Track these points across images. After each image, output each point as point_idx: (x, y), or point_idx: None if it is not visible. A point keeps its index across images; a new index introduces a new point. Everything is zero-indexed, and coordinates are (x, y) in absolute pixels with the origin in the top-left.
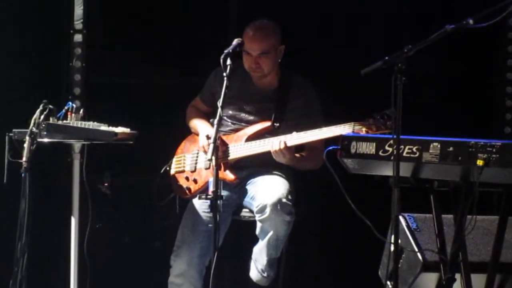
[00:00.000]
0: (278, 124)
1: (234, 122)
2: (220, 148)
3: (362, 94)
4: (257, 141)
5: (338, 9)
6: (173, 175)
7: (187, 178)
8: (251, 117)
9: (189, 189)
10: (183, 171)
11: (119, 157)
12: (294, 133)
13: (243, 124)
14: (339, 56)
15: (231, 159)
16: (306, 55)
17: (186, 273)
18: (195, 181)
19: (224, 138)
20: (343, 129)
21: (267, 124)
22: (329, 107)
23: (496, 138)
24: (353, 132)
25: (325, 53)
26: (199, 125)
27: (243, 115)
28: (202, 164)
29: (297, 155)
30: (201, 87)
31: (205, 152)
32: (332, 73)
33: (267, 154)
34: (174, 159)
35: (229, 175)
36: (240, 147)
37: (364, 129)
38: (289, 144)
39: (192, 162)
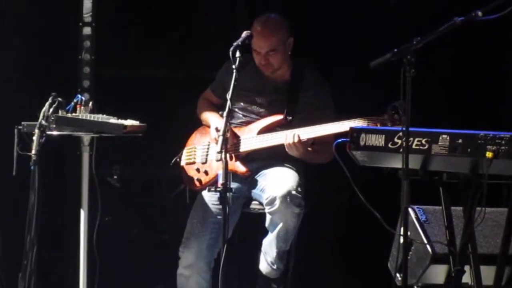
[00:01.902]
0: (290, 117)
1: (245, 114)
2: (231, 141)
3: (373, 87)
4: (270, 134)
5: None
6: (183, 167)
7: (197, 170)
8: (263, 110)
9: (199, 180)
10: (193, 163)
11: (128, 150)
12: (308, 127)
13: (253, 116)
14: (349, 49)
15: (243, 151)
16: (316, 47)
17: (194, 264)
18: (206, 172)
19: (235, 130)
20: (356, 123)
21: (280, 117)
22: (340, 100)
23: (505, 131)
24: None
25: (335, 46)
26: (210, 117)
27: (254, 107)
28: (213, 156)
29: (309, 148)
30: (211, 80)
31: (217, 143)
32: (342, 66)
33: (278, 146)
34: (185, 151)
35: (240, 168)
36: (252, 139)
37: (379, 124)
38: (302, 138)
39: (203, 153)
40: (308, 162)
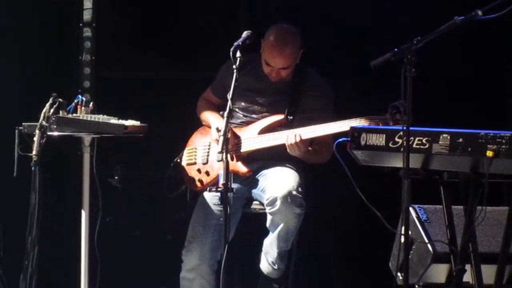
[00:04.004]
0: (291, 117)
1: (246, 114)
2: (232, 141)
3: (373, 87)
4: (271, 134)
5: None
6: (184, 167)
7: (199, 170)
8: (264, 110)
9: (201, 181)
10: (194, 163)
11: (129, 150)
12: (310, 126)
13: (254, 116)
14: (351, 49)
15: (244, 151)
16: (317, 48)
17: (198, 268)
18: (207, 173)
19: (236, 130)
20: (358, 123)
21: (281, 117)
22: (341, 101)
23: (506, 129)
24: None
25: (335, 47)
26: (210, 117)
27: (255, 107)
28: (214, 156)
29: (309, 148)
30: (211, 80)
31: (218, 143)
32: (343, 66)
33: (278, 146)
34: (186, 151)
35: (242, 168)
36: (253, 139)
37: (380, 123)
38: (304, 137)
39: (204, 154)
40: (307, 162)
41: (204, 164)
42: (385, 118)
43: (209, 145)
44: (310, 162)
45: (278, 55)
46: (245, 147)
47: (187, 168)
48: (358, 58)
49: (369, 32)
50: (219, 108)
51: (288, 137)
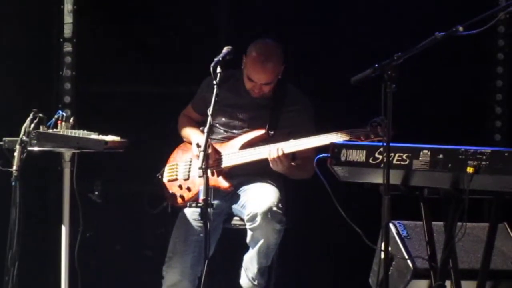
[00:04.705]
0: (272, 132)
1: (227, 130)
2: (213, 156)
3: (353, 101)
4: (252, 149)
5: (330, 13)
6: (166, 184)
7: (180, 186)
8: (245, 125)
9: (182, 197)
10: (176, 179)
11: (110, 165)
12: (291, 140)
13: (235, 132)
14: (329, 63)
15: (225, 166)
16: (297, 62)
17: (179, 284)
18: (188, 189)
19: (217, 146)
20: (339, 137)
21: (262, 132)
22: (322, 115)
23: (486, 146)
24: (350, 139)
25: (316, 60)
26: (191, 133)
27: (236, 123)
28: (195, 172)
29: (292, 163)
30: (193, 95)
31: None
32: (323, 81)
33: (259, 162)
34: (167, 168)
35: (223, 183)
36: (234, 155)
37: (362, 137)
38: (286, 151)
39: (185, 170)
40: (291, 177)
41: (185, 180)
42: (367, 131)
43: (190, 161)
44: (294, 178)
45: (261, 71)
46: (226, 162)
47: (168, 185)
48: (339, 71)
49: (350, 45)
50: (199, 124)
51: (270, 151)
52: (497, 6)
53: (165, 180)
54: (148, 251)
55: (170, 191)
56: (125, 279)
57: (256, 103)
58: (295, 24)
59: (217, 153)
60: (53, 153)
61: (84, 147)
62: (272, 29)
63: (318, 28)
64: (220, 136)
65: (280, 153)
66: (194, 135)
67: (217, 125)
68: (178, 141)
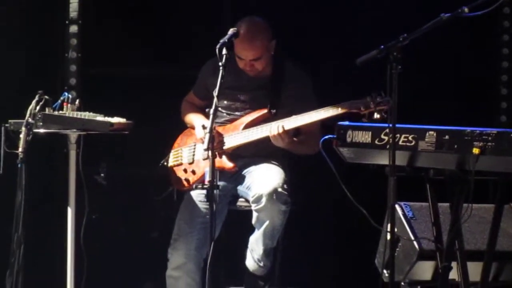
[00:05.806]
0: (274, 111)
1: (229, 112)
2: (216, 138)
3: (357, 82)
4: (254, 128)
5: None
6: (171, 168)
7: (185, 170)
8: (246, 106)
9: (187, 180)
10: (180, 164)
11: (116, 148)
12: (292, 117)
13: (238, 114)
14: (335, 43)
15: (229, 147)
16: (300, 43)
17: (184, 266)
18: (193, 172)
19: (220, 129)
20: (339, 110)
21: (264, 111)
22: (324, 92)
23: (491, 127)
24: (349, 111)
25: (321, 41)
26: (194, 118)
27: (238, 104)
28: (199, 156)
29: (294, 139)
30: (197, 79)
31: (203, 142)
32: (327, 61)
33: (263, 142)
34: (171, 153)
35: (227, 163)
36: (237, 135)
37: (362, 107)
38: (286, 128)
39: (190, 154)
40: (295, 153)
41: (190, 163)
42: (366, 101)
43: (194, 145)
44: (299, 154)
45: (248, 47)
46: (230, 143)
47: (174, 169)
48: (344, 51)
49: (350, 19)
50: (202, 109)
51: (271, 128)
52: None
53: (170, 165)
54: (154, 233)
55: (176, 176)
56: (131, 261)
57: (255, 83)
58: (297, 5)
59: (220, 135)
60: (58, 135)
61: (89, 129)
62: (274, 10)
63: (321, 7)
64: (223, 119)
65: (281, 130)
66: (197, 120)
67: (220, 108)
68: (182, 123)
